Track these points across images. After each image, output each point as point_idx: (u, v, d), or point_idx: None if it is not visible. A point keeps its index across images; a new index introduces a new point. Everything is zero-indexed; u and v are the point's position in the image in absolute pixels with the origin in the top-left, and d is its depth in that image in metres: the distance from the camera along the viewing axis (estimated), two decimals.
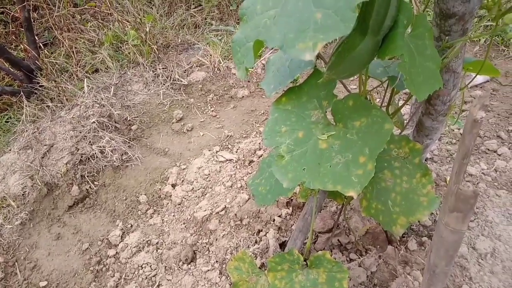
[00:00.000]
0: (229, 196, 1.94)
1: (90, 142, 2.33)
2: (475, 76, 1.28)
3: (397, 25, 0.72)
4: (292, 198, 1.82)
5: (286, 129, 0.95)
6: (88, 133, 2.36)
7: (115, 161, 2.30)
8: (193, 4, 3.67)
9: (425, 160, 2.08)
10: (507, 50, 2.79)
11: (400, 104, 1.74)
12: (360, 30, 0.75)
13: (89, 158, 2.29)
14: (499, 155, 2.08)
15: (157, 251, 1.80)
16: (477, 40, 2.91)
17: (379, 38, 0.75)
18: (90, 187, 2.21)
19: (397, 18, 0.73)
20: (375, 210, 1.11)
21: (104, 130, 2.41)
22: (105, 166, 2.29)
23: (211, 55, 3.00)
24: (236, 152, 2.28)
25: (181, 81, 2.86)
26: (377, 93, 2.34)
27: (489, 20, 1.01)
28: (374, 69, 1.11)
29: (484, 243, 1.59)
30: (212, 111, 2.67)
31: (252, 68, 0.92)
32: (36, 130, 2.41)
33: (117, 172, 2.28)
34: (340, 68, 0.81)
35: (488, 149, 2.13)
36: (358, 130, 0.85)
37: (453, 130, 2.23)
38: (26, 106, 2.63)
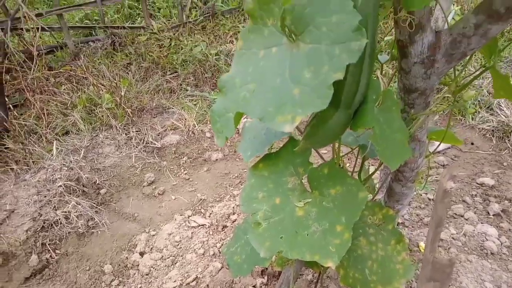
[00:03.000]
0: (201, 264, 1.85)
1: (54, 207, 2.22)
2: (439, 145, 1.36)
3: (367, 100, 0.78)
4: (267, 266, 1.76)
5: (263, 195, 0.95)
6: (53, 197, 2.25)
7: (80, 228, 2.17)
8: (169, 70, 3.80)
9: (397, 225, 2.11)
10: (464, 119, 3.02)
11: (370, 170, 1.80)
12: (333, 104, 0.79)
13: (52, 225, 2.16)
14: (466, 219, 2.15)
15: None
16: (436, 110, 3.14)
17: (351, 111, 0.79)
18: (51, 256, 2.06)
19: (366, 93, 0.78)
20: (352, 280, 1.09)
21: (70, 194, 2.31)
22: (69, 233, 2.16)
23: (185, 119, 3.05)
24: (209, 216, 2.23)
25: (155, 144, 2.85)
26: (348, 159, 2.42)
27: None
28: (345, 138, 1.16)
29: None
30: (185, 174, 2.65)
31: (232, 136, 0.95)
32: None
33: (81, 240, 2.15)
34: (314, 138, 0.85)
35: (456, 214, 2.20)
36: (333, 198, 0.86)
37: (421, 195, 2.30)
38: None
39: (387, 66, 3.07)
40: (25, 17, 2.93)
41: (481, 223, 2.12)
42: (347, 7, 0.64)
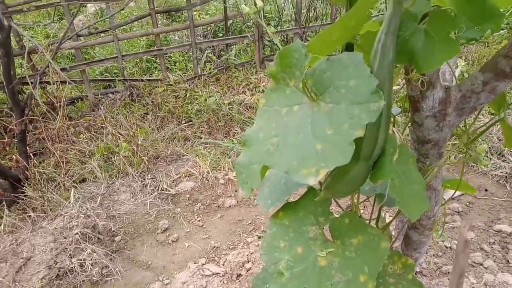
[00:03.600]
0: None
1: (70, 255, 2.23)
2: (454, 193, 1.39)
3: (385, 153, 0.83)
4: None
5: (285, 244, 0.97)
6: (70, 245, 2.27)
7: (94, 276, 2.17)
8: (184, 119, 3.94)
9: (415, 274, 2.07)
10: (476, 166, 3.03)
11: (385, 217, 1.80)
12: (353, 157, 0.84)
13: (67, 273, 2.16)
14: (486, 268, 2.10)
15: None
16: (448, 157, 3.17)
17: (370, 163, 0.84)
18: None
19: (384, 147, 0.83)
20: None
21: (86, 241, 2.33)
22: (83, 281, 2.15)
23: (200, 166, 3.11)
24: (223, 264, 2.22)
25: (169, 191, 2.90)
26: (364, 207, 2.43)
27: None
28: (362, 187, 1.20)
29: None
30: (199, 220, 2.66)
31: (258, 187, 0.99)
32: (14, 241, 2.31)
33: None
34: (335, 189, 0.89)
35: (474, 262, 2.15)
36: (356, 248, 0.88)
37: (438, 243, 2.27)
38: (6, 215, 2.56)
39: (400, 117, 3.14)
40: (51, 72, 3.13)
41: (502, 272, 2.07)
42: (364, 72, 0.71)
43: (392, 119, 1.41)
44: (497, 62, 0.94)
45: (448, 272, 2.08)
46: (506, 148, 2.98)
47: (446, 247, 2.28)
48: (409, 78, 0.97)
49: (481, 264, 2.14)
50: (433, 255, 2.23)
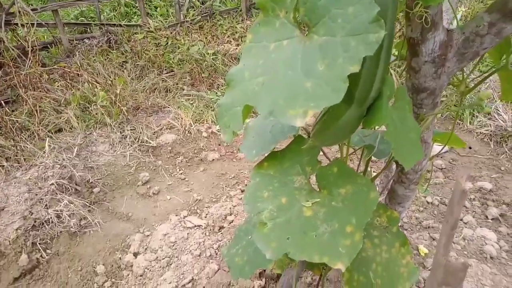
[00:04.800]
0: (197, 266, 1.81)
1: (46, 205, 2.16)
2: (444, 146, 1.34)
3: (381, 96, 0.75)
4: (271, 268, 1.72)
5: (269, 194, 0.92)
6: (45, 195, 2.19)
7: (72, 227, 2.12)
8: (165, 69, 3.76)
9: None
10: (462, 123, 3.02)
11: (371, 173, 1.77)
12: (346, 100, 0.76)
13: (43, 223, 2.10)
14: (465, 223, 2.14)
15: None
16: (447, 107, 3.14)
17: (364, 108, 0.77)
18: (41, 256, 1.99)
19: (382, 90, 0.75)
20: (357, 283, 1.06)
21: (63, 192, 2.25)
22: (60, 232, 2.10)
23: (182, 118, 3.00)
24: (205, 217, 2.19)
25: (150, 143, 2.80)
26: (350, 160, 2.39)
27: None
28: (352, 137, 1.13)
29: None
30: (181, 173, 2.60)
31: (240, 131, 0.91)
32: None
33: (73, 239, 2.09)
34: (324, 136, 0.82)
35: None
36: (343, 198, 0.83)
37: (420, 198, 2.28)
38: None
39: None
40: (19, 11, 2.87)
41: (480, 227, 2.11)
42: None
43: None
44: (507, 1, 0.85)
45: (429, 227, 2.10)
46: (493, 106, 2.96)
47: (428, 202, 2.30)
48: (411, 15, 0.87)
49: (461, 219, 2.17)
50: (415, 210, 2.25)
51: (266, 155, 1.03)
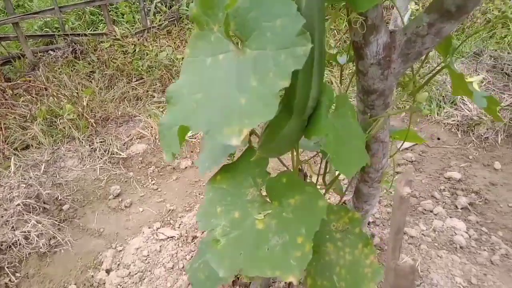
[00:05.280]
0: (170, 279, 1.78)
1: (13, 227, 2.09)
2: (402, 144, 1.36)
3: (320, 106, 0.75)
4: (238, 276, 1.71)
5: (221, 209, 0.90)
6: (11, 217, 2.12)
7: (41, 247, 2.05)
8: (135, 77, 3.70)
9: (368, 224, 2.11)
10: (430, 115, 3.08)
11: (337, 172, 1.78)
12: (286, 111, 0.76)
13: (10, 246, 2.03)
14: (435, 214, 2.18)
15: None
16: (403, 107, 3.19)
17: (305, 118, 0.76)
18: (10, 280, 1.93)
19: (319, 99, 0.75)
20: None
21: (30, 212, 2.18)
22: (29, 253, 2.03)
23: (152, 127, 2.96)
24: (179, 227, 2.16)
25: (120, 155, 2.75)
26: (314, 162, 2.40)
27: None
28: (307, 143, 1.13)
29: None
30: (153, 184, 2.56)
31: (178, 153, 0.88)
32: None
33: (43, 260, 2.03)
34: (270, 147, 0.81)
35: (425, 209, 2.22)
36: (293, 208, 0.82)
37: (392, 193, 2.31)
38: None
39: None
40: None
41: (450, 217, 2.15)
42: (291, 10, 0.60)
43: (339, 70, 1.32)
44: (442, 1, 0.86)
45: None
46: (458, 97, 3.03)
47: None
48: (349, 20, 0.87)
49: (431, 211, 2.21)
50: (387, 204, 2.28)
51: (219, 167, 1.02)
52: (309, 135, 0.73)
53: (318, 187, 1.25)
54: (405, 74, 1.16)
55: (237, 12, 0.68)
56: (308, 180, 1.20)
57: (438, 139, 2.86)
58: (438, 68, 1.06)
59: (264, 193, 0.91)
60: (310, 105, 0.73)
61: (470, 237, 2.01)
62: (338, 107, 0.78)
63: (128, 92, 3.51)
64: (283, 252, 0.78)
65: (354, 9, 0.66)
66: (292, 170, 0.97)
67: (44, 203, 2.29)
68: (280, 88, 0.60)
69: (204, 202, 0.94)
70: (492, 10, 3.83)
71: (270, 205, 0.88)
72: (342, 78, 1.34)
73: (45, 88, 3.27)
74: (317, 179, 1.32)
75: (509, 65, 3.08)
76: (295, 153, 0.94)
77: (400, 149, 2.86)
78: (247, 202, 0.90)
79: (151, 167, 2.69)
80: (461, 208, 2.23)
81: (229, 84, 0.67)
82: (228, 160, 1.15)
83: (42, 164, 2.57)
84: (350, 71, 3.12)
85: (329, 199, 2.24)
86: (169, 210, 2.31)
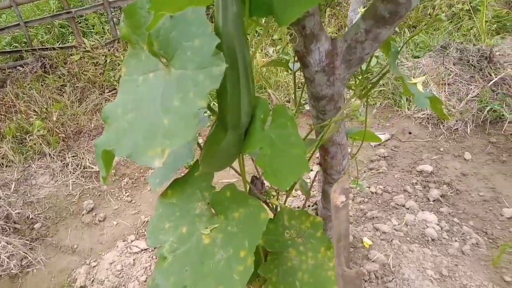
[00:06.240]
0: None
1: None
2: (361, 145, 1.37)
3: (254, 119, 0.75)
4: None
5: (170, 225, 0.90)
6: None
7: (12, 269, 2.01)
8: (107, 88, 3.65)
9: None
10: (401, 110, 3.12)
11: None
12: (222, 126, 0.76)
13: None
14: (407, 208, 2.21)
15: None
16: (374, 104, 3.23)
17: (241, 132, 0.76)
18: None
19: (254, 113, 0.75)
20: None
21: (0, 234, 2.14)
22: (0, 276, 1.99)
23: None
24: None
25: (93, 168, 2.71)
26: None
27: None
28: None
29: None
30: (127, 196, 2.54)
31: (106, 177, 0.85)
32: None
33: (15, 281, 1.99)
34: (210, 161, 0.81)
35: (397, 204, 2.25)
36: (238, 221, 0.82)
37: (365, 189, 2.34)
38: None
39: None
40: None
41: (422, 210, 2.18)
42: (206, 30, 0.61)
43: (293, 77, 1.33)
44: (376, 8, 0.88)
45: (373, 217, 2.16)
46: (427, 90, 3.07)
47: (372, 192, 2.36)
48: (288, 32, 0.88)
49: (404, 206, 2.24)
50: (360, 201, 2.30)
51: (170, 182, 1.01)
52: (244, 149, 0.74)
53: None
54: (356, 77, 1.17)
55: (159, 32, 0.68)
56: (266, 187, 1.20)
57: (410, 133, 2.90)
58: (383, 71, 1.08)
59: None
60: (244, 119, 0.73)
61: (441, 229, 2.05)
62: (275, 118, 0.79)
63: (101, 103, 3.47)
64: (227, 267, 0.78)
65: (278, 24, 0.66)
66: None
67: (15, 223, 2.24)
68: (199, 108, 0.60)
69: (154, 218, 0.94)
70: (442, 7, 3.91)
71: (217, 219, 0.88)
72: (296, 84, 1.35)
73: (13, 105, 3.21)
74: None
75: (474, 56, 3.14)
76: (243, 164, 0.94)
77: (375, 144, 2.89)
78: (195, 216, 0.90)
79: (124, 178, 2.67)
80: (433, 201, 2.26)
81: (155, 103, 0.67)
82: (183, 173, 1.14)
83: (12, 183, 2.52)
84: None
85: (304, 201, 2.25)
86: (144, 222, 2.29)
